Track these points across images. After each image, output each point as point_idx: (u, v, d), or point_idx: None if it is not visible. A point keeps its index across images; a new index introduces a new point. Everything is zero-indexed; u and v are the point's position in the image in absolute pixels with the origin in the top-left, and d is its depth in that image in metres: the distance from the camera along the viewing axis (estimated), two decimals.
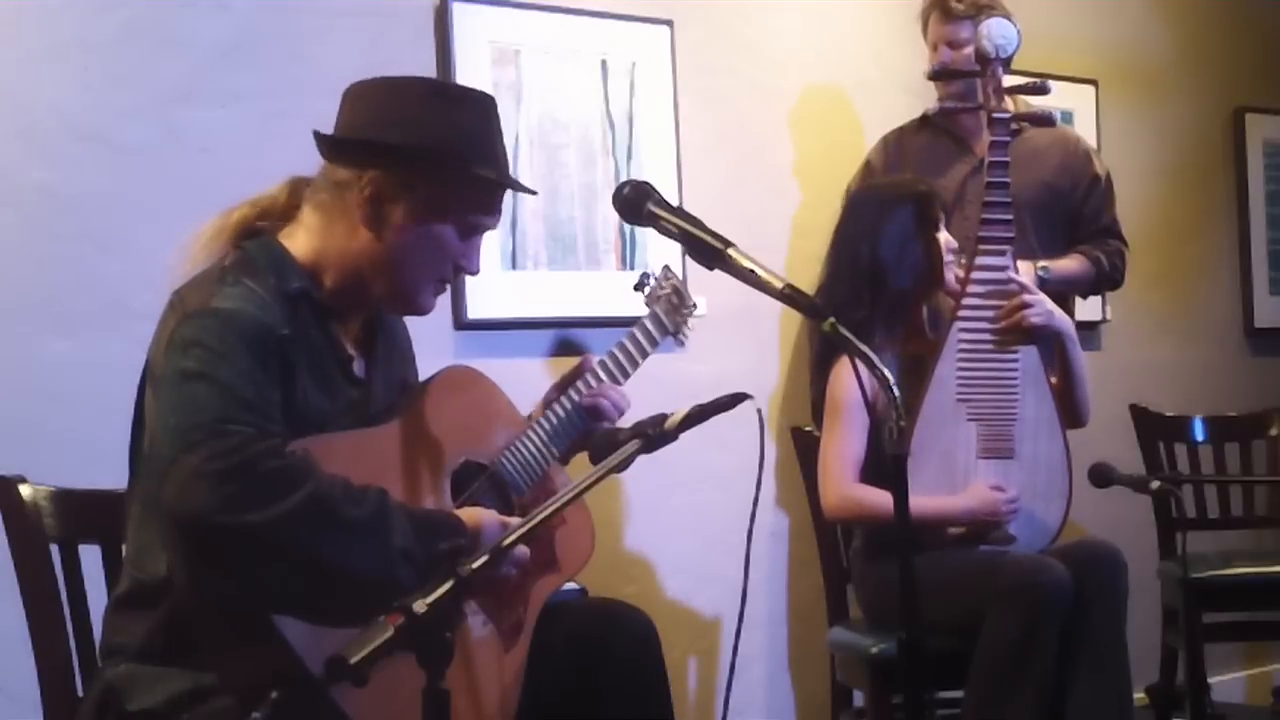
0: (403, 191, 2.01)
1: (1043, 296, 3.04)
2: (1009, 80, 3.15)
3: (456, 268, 2.10)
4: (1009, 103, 3.18)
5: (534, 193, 2.25)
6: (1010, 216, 3.02)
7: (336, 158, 2.05)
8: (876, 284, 3.02)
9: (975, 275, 3.01)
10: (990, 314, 3.01)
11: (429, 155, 2.01)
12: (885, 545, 3.02)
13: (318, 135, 2.07)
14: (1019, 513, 2.97)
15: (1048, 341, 3.05)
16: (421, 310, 2.13)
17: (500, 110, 2.13)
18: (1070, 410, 3.10)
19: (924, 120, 3.58)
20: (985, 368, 3.01)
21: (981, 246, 3.01)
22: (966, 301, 3.01)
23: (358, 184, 2.01)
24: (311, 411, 1.98)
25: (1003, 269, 3.02)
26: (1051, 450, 3.04)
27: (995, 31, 3.07)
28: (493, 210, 2.11)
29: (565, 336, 3.39)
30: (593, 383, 2.34)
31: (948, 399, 2.99)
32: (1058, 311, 3.06)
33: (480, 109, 2.09)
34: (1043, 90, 3.13)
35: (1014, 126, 3.51)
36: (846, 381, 3.01)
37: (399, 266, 2.05)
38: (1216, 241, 4.85)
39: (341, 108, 2.09)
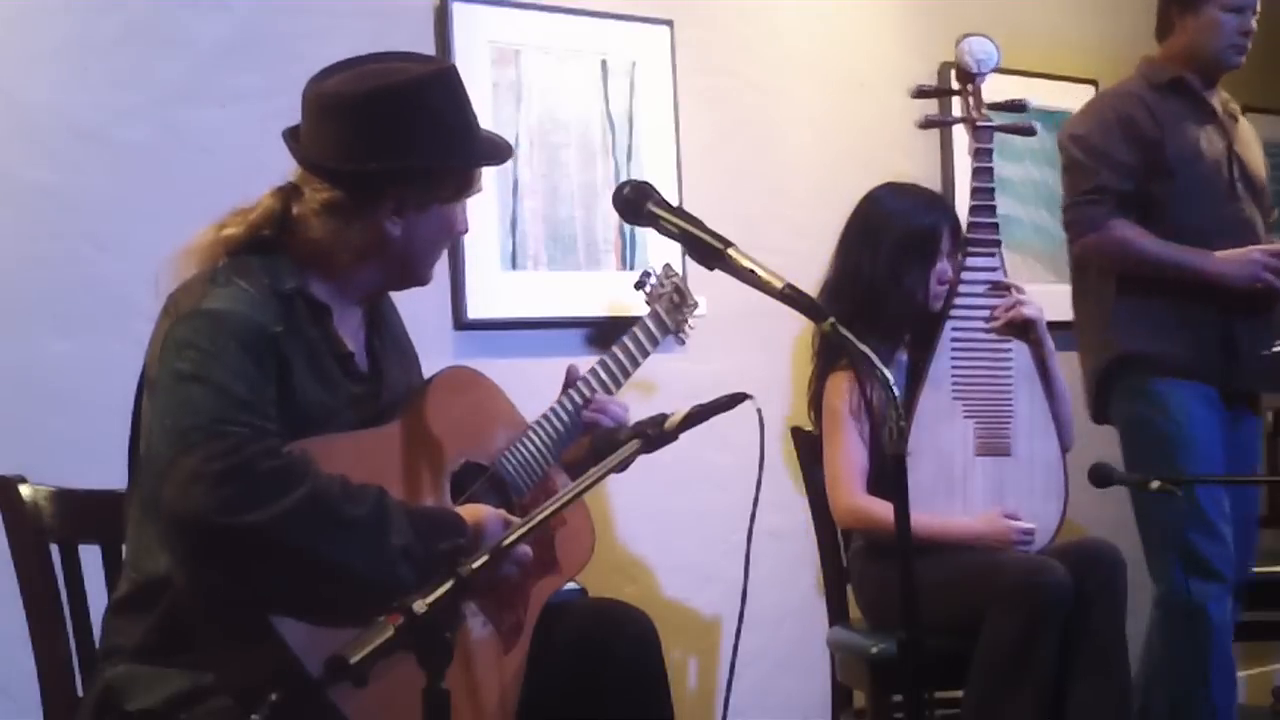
0: (414, 203, 2.06)
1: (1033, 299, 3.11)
2: (990, 97, 3.23)
3: (454, 235, 2.18)
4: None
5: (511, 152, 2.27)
6: (996, 220, 3.09)
7: (339, 184, 2.04)
8: (874, 304, 3.04)
9: (965, 275, 3.09)
10: (983, 312, 3.08)
11: (428, 177, 2.06)
12: (885, 546, 3.02)
13: (314, 165, 2.07)
14: (1032, 545, 2.99)
15: (1036, 347, 3.09)
16: (425, 281, 2.19)
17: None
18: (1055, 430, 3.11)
19: (1175, 82, 3.39)
20: (979, 364, 3.06)
21: (971, 248, 3.10)
22: (958, 300, 3.08)
23: (369, 206, 2.04)
24: (311, 407, 1.98)
25: (993, 270, 3.10)
26: (1047, 448, 3.07)
27: (976, 49, 3.20)
28: (479, 179, 2.18)
29: (565, 336, 3.39)
30: (592, 389, 2.35)
31: (943, 397, 3.02)
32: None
33: (447, 86, 2.09)
34: (1020, 108, 3.24)
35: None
36: (843, 390, 3.03)
37: (416, 256, 2.12)
38: None
39: (323, 120, 2.06)
